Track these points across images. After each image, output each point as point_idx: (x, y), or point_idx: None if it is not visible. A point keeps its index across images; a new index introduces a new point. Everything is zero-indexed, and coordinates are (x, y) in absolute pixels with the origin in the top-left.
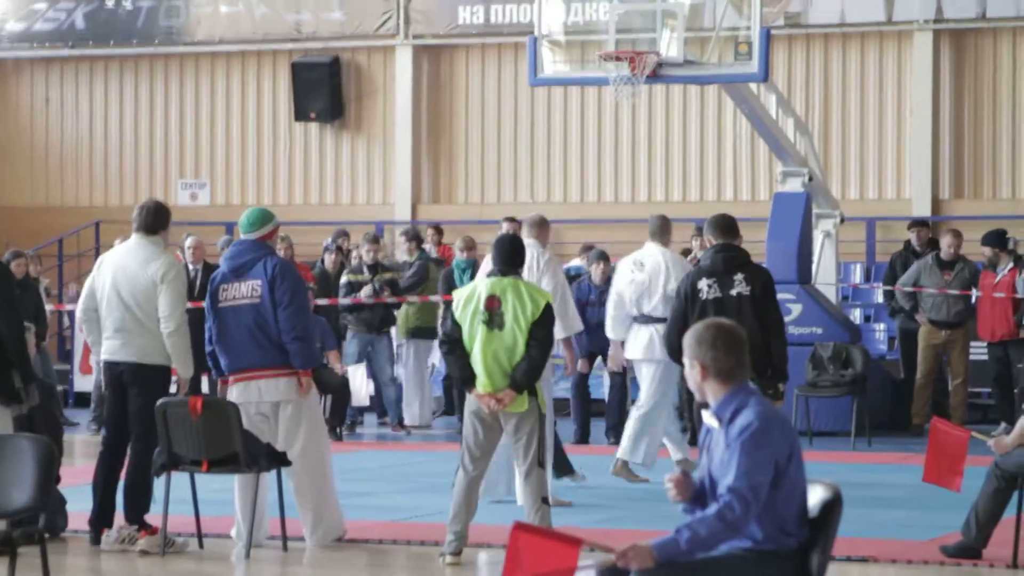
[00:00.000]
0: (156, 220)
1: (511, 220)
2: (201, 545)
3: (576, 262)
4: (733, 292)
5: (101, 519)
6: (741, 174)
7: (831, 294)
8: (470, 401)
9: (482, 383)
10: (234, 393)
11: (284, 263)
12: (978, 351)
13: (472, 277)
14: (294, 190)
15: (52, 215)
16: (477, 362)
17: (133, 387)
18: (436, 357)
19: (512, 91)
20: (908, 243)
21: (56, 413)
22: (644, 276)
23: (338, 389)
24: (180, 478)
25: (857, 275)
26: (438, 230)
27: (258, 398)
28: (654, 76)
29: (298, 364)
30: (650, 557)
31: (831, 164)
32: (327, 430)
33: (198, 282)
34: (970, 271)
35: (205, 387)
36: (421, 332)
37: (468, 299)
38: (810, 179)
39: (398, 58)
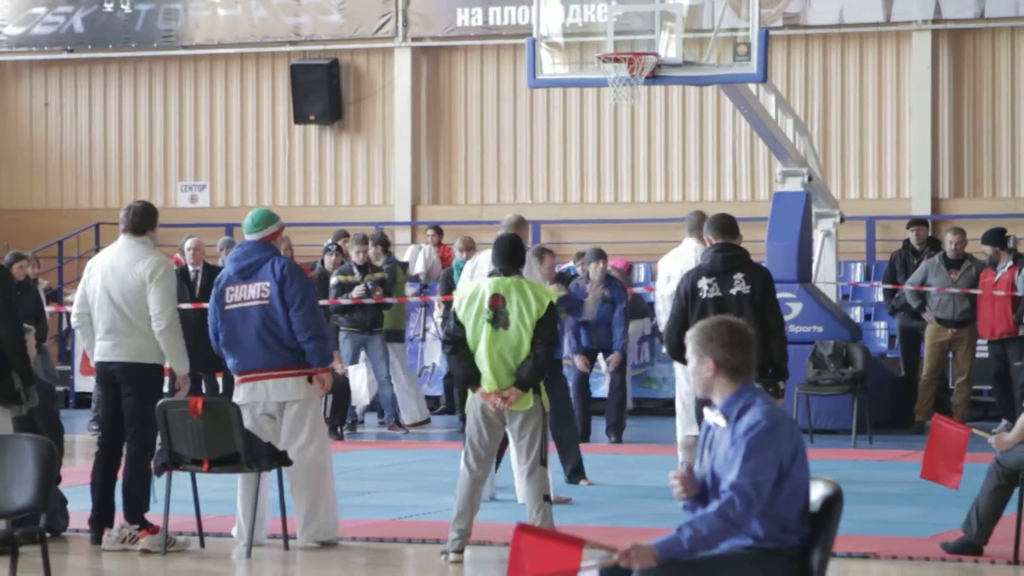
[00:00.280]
0: (143, 221)
1: None
2: (202, 544)
3: (569, 263)
4: (733, 291)
5: (101, 519)
6: (741, 174)
7: (831, 293)
8: (473, 400)
9: (488, 382)
10: (241, 393)
11: (292, 264)
12: (979, 349)
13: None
14: (294, 192)
15: (52, 217)
16: (482, 361)
17: (125, 386)
18: (437, 356)
19: (511, 92)
20: (907, 242)
21: (57, 413)
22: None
23: (339, 389)
24: (181, 478)
25: (857, 274)
26: (438, 231)
27: (265, 398)
28: (653, 77)
29: (316, 363)
30: (652, 556)
31: (830, 164)
32: (328, 431)
33: (198, 283)
34: (977, 270)
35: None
36: (393, 335)
37: (471, 299)
38: (809, 179)
39: (397, 60)
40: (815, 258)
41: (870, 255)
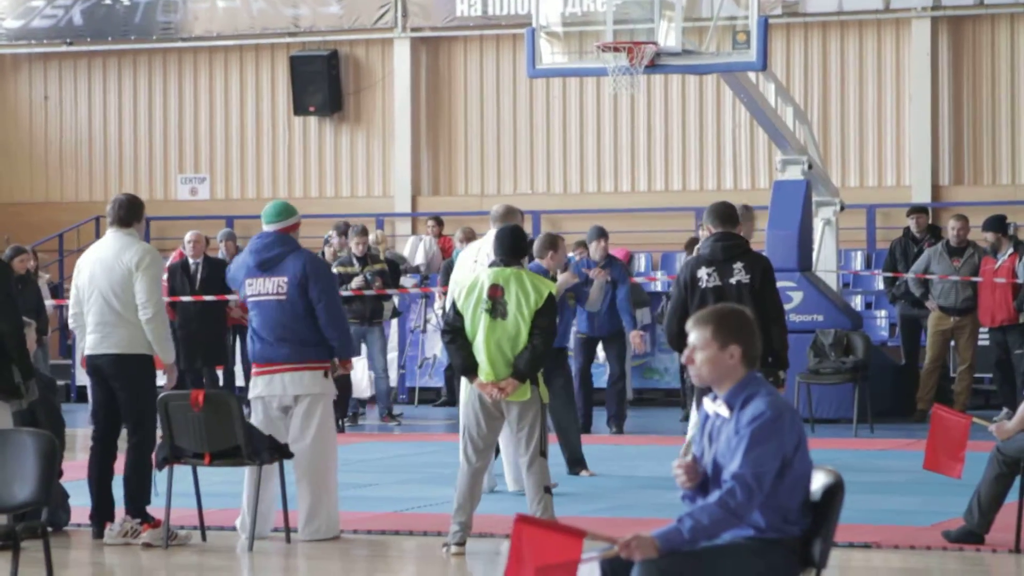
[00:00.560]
0: (129, 213)
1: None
2: (204, 538)
3: (571, 254)
4: (732, 280)
5: (102, 513)
6: (741, 163)
7: (832, 281)
8: (471, 392)
9: (485, 372)
10: (259, 386)
11: (314, 258)
12: (981, 337)
13: None
14: (294, 183)
15: (52, 211)
16: (480, 351)
17: (117, 380)
18: (438, 347)
19: (511, 82)
20: (908, 230)
21: (58, 407)
22: None
23: (340, 381)
24: (182, 471)
25: (858, 262)
26: (438, 221)
27: (282, 391)
28: (652, 66)
29: (344, 355)
30: (653, 547)
31: (830, 152)
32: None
33: (199, 276)
34: (979, 257)
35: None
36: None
37: (470, 289)
38: (810, 167)
39: (396, 51)
40: (815, 246)
41: (870, 243)
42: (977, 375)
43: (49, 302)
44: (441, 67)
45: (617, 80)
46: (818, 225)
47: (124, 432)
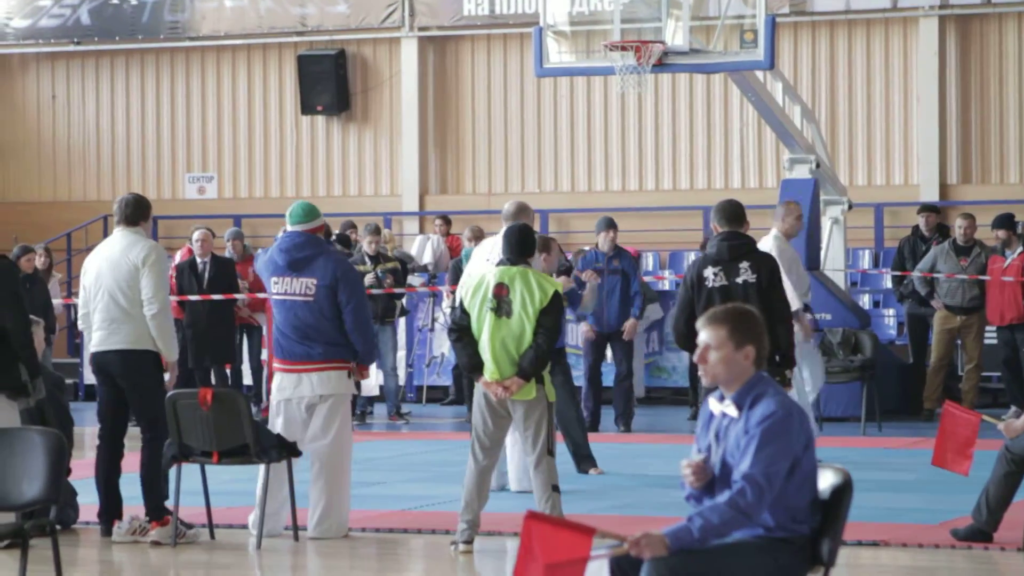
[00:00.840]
0: (136, 212)
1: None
2: (212, 535)
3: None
4: (739, 280)
5: (110, 511)
6: (748, 162)
7: (840, 280)
8: (478, 390)
9: (489, 371)
10: (285, 385)
11: (344, 261)
12: (988, 335)
13: None
14: (301, 183)
15: (60, 210)
16: (485, 350)
17: (124, 377)
18: (445, 346)
19: (518, 81)
20: (916, 228)
21: (66, 405)
22: None
23: None
24: (191, 469)
25: (865, 261)
26: (446, 220)
27: (310, 392)
28: (660, 65)
29: (367, 360)
30: (663, 545)
31: (838, 151)
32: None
33: (207, 275)
34: (986, 256)
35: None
36: None
37: (477, 287)
38: (817, 166)
39: (404, 50)
40: (823, 245)
41: (878, 242)
42: (984, 374)
43: (57, 301)
44: (448, 66)
45: (624, 79)
46: (826, 224)
47: (132, 430)
